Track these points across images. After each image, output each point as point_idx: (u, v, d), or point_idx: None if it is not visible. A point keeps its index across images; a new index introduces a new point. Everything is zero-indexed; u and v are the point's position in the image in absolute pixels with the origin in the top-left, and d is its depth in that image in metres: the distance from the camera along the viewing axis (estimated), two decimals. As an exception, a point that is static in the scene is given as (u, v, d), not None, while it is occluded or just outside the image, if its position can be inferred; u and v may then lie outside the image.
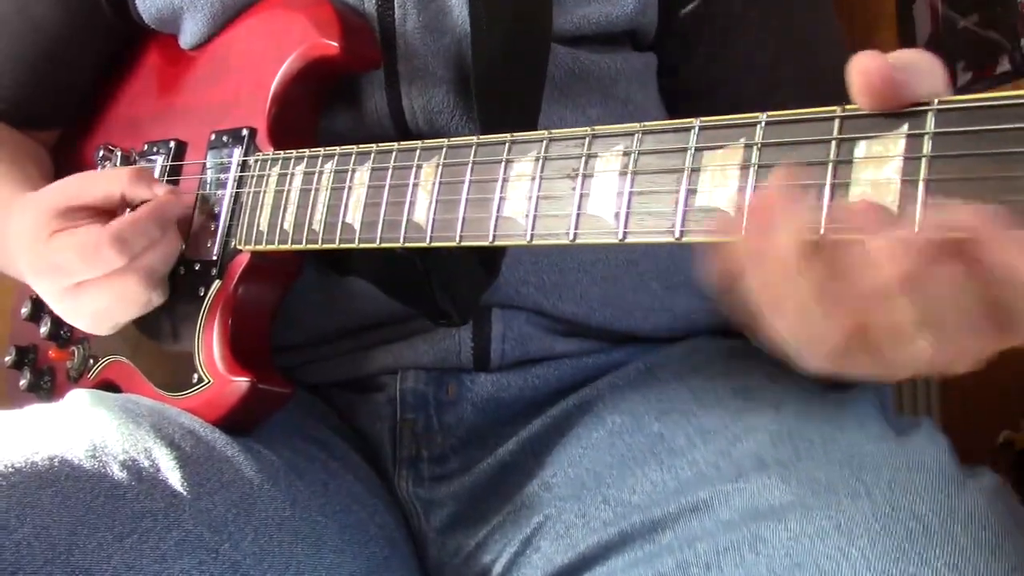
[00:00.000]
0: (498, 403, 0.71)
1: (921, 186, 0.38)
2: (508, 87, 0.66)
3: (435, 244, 0.55)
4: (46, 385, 0.84)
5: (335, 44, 0.65)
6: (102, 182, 0.68)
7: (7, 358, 0.86)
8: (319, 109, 0.70)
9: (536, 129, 0.65)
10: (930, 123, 0.38)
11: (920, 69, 0.39)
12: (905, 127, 0.39)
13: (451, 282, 0.66)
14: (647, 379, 0.70)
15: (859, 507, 0.50)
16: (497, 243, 0.51)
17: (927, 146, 0.38)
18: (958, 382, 1.48)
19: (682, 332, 0.75)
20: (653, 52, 0.75)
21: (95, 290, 0.66)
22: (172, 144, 0.75)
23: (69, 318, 0.70)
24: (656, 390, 0.68)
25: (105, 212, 0.68)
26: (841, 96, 0.73)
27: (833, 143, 0.41)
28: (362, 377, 0.75)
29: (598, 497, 0.62)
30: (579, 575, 0.60)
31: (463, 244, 0.53)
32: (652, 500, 0.59)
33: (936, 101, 0.38)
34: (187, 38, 0.77)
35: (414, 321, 0.71)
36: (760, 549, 0.51)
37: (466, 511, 0.70)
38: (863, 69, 0.39)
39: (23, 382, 0.85)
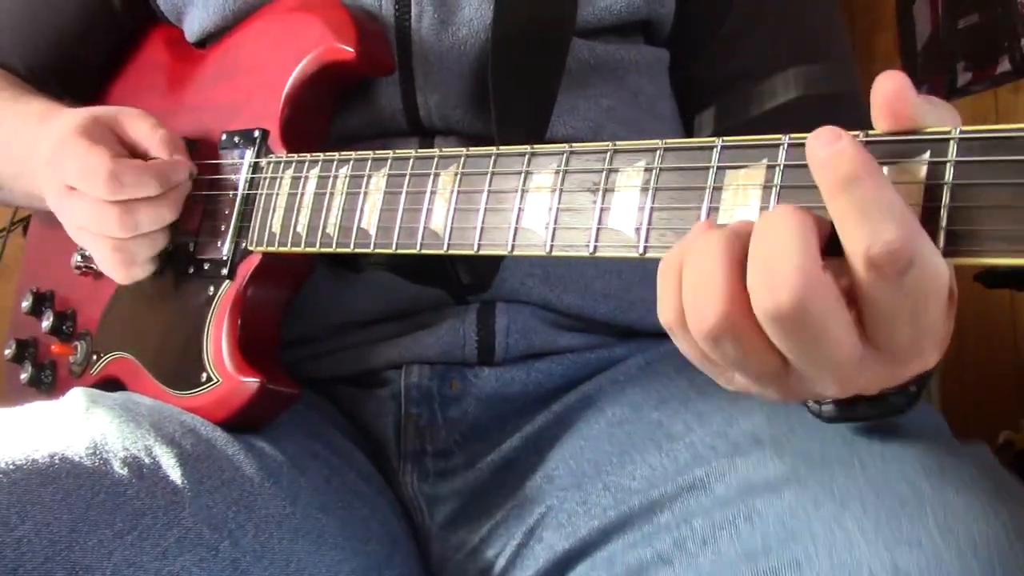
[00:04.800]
0: (502, 398, 0.72)
1: (943, 213, 0.39)
2: (525, 80, 0.66)
3: (452, 252, 0.55)
4: (47, 379, 0.83)
5: (351, 49, 0.66)
6: (139, 124, 0.69)
7: (7, 351, 0.86)
8: (331, 112, 0.70)
9: (549, 122, 0.66)
10: (952, 151, 0.39)
11: (939, 107, 0.40)
12: (927, 155, 0.39)
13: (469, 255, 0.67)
14: (647, 373, 0.71)
15: (852, 476, 0.50)
16: (516, 253, 0.52)
17: (948, 173, 0.39)
18: (959, 382, 1.50)
19: None
20: (666, 48, 0.76)
21: (80, 203, 0.67)
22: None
23: (57, 213, 0.71)
24: (655, 382, 0.69)
25: (126, 148, 0.69)
26: (842, 99, 0.74)
27: (855, 167, 0.41)
28: (367, 372, 0.75)
29: (598, 484, 0.62)
30: (580, 560, 0.60)
31: (481, 253, 0.53)
32: (650, 483, 0.59)
33: (958, 130, 0.39)
34: (194, 27, 0.76)
35: (419, 315, 0.72)
36: (755, 521, 0.51)
37: (470, 506, 0.70)
38: (885, 92, 0.40)
39: (24, 376, 0.84)
